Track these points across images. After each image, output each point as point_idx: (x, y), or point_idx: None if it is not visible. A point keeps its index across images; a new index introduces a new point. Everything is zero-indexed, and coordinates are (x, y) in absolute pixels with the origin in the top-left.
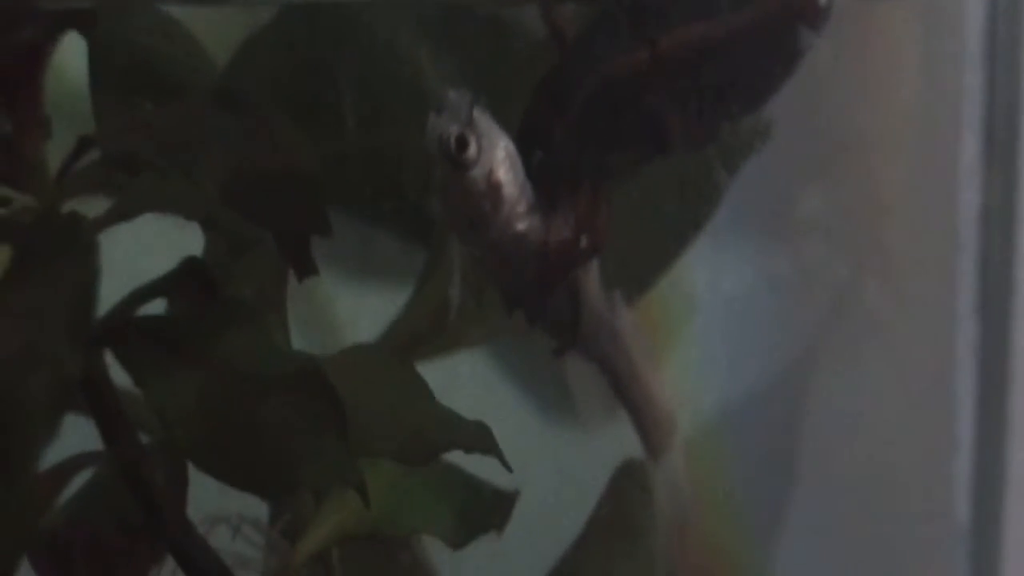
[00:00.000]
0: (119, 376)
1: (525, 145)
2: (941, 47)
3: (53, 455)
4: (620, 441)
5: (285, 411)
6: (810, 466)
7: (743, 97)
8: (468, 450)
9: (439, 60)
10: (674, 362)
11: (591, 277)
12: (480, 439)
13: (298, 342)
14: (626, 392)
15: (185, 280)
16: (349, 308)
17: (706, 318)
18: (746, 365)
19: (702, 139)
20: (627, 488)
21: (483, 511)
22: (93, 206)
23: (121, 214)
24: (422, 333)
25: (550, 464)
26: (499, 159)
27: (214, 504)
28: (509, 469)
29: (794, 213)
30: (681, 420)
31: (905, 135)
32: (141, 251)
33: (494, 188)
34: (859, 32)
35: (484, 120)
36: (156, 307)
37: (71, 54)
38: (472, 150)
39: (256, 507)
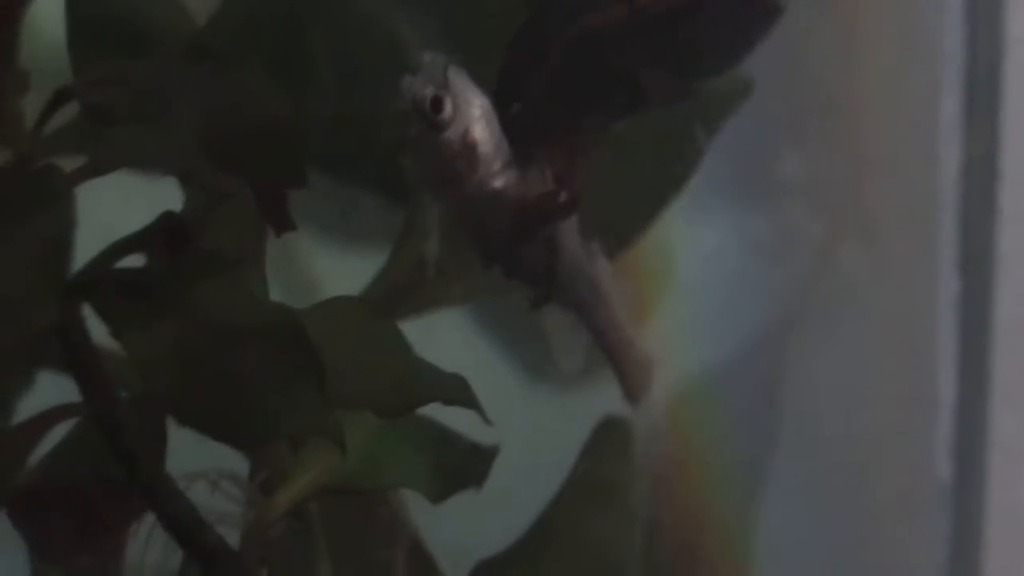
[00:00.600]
0: (99, 332)
1: (501, 99)
2: (920, 6)
3: (30, 409)
4: (600, 398)
5: (263, 362)
6: (792, 426)
7: (719, 54)
8: (446, 402)
9: (416, 17)
10: (654, 321)
11: (569, 228)
12: (458, 392)
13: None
14: (605, 338)
15: (163, 234)
16: (329, 268)
17: (686, 278)
18: (726, 325)
19: (677, 95)
20: (606, 444)
21: (462, 466)
22: (72, 162)
23: (97, 168)
24: (400, 291)
25: (529, 421)
26: (474, 118)
27: (193, 460)
28: (488, 422)
29: (774, 173)
30: (662, 378)
31: (885, 95)
32: (120, 205)
33: (469, 147)
34: None
35: (459, 80)
36: (135, 261)
37: (48, 8)
38: (447, 111)
39: (236, 463)
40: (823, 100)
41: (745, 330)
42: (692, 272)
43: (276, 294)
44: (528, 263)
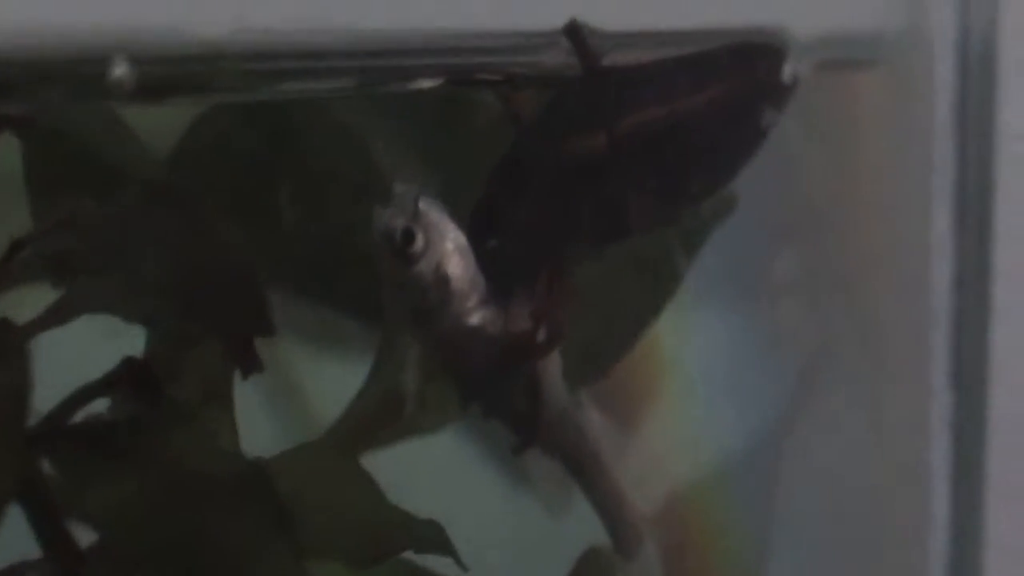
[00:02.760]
0: None
1: (479, 231)
2: (911, 116)
3: None
4: (585, 526)
5: (231, 515)
6: (786, 532)
7: (705, 178)
8: (420, 550)
9: (393, 145)
10: (647, 427)
11: (552, 369)
12: (433, 539)
13: (265, 413)
14: (593, 491)
15: (127, 380)
16: (309, 373)
17: (679, 383)
18: (722, 428)
19: (663, 221)
20: None
21: None
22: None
23: (56, 318)
24: (375, 422)
25: (510, 548)
26: (448, 251)
27: None
28: (464, 568)
29: (764, 277)
30: (656, 486)
31: (875, 204)
32: (85, 345)
33: (442, 282)
34: (826, 101)
35: (432, 212)
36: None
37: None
38: (418, 244)
39: None
40: (813, 207)
41: (741, 432)
42: (685, 376)
43: (254, 402)
44: (510, 404)
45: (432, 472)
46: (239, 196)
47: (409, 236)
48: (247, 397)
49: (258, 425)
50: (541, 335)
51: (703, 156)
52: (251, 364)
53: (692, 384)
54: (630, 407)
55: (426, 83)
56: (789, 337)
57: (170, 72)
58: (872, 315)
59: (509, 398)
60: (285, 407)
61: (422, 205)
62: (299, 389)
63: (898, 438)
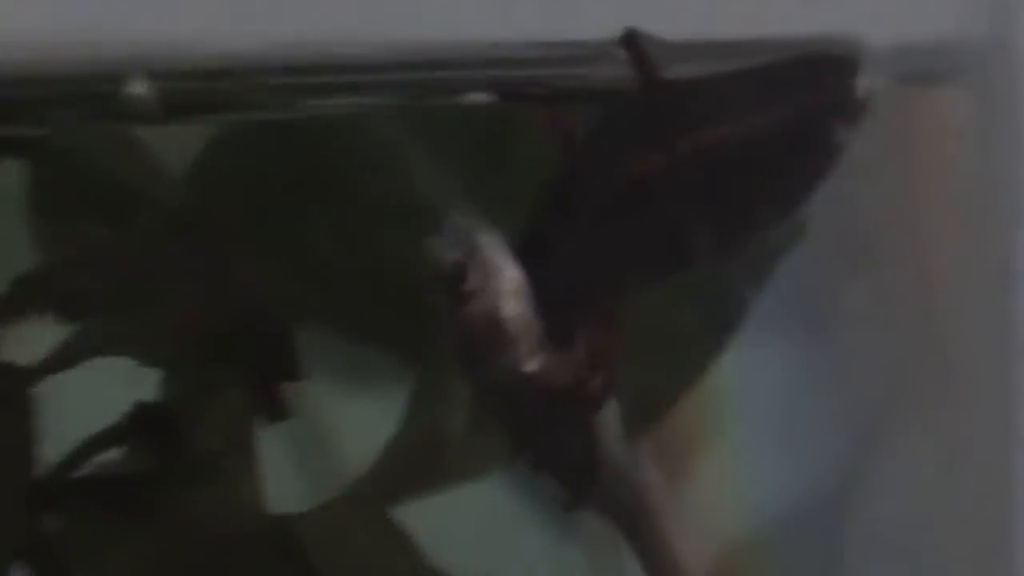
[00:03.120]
0: None
1: (527, 263)
2: (994, 132)
3: None
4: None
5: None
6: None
7: (773, 203)
8: None
9: (435, 167)
10: (712, 467)
11: (611, 421)
12: None
13: (292, 464)
14: (647, 555)
15: (140, 428)
16: (342, 420)
17: (734, 429)
18: (781, 479)
19: (728, 252)
20: None
21: None
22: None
23: (63, 360)
24: (413, 470)
25: None
26: (504, 291)
27: None
28: None
29: (831, 310)
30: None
31: (954, 228)
32: (96, 390)
33: (497, 325)
34: (902, 117)
35: (489, 246)
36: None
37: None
38: (472, 281)
39: None
40: (888, 232)
41: (807, 476)
42: (752, 412)
43: (280, 451)
44: (562, 457)
45: (473, 527)
46: (265, 224)
47: (461, 272)
48: (272, 446)
49: (284, 477)
50: (594, 384)
51: (770, 179)
52: (278, 410)
53: (748, 431)
54: (680, 457)
55: (473, 97)
56: (858, 376)
57: (193, 88)
58: (951, 348)
59: (563, 450)
60: (314, 456)
61: (478, 237)
62: (329, 435)
63: (980, 483)
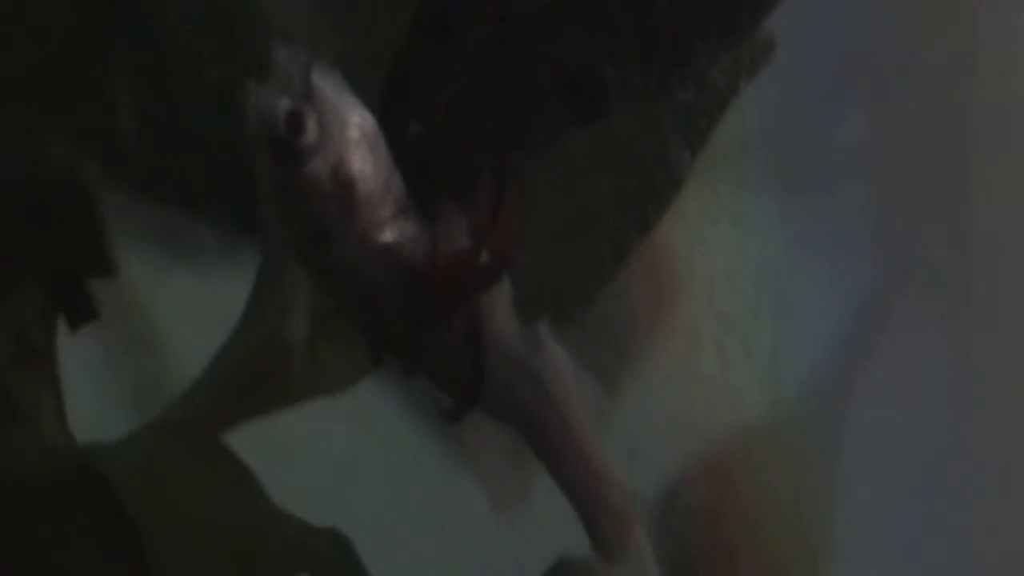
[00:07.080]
0: None
1: (392, 115)
2: None
3: None
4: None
5: (57, 530)
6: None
7: (710, 34)
8: (317, 572)
9: None
10: (669, 367)
11: (500, 304)
12: (334, 556)
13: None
14: (561, 466)
15: None
16: (155, 288)
17: (710, 307)
18: (778, 359)
19: (650, 96)
20: None
21: None
22: None
23: None
24: (250, 383)
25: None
26: (352, 142)
27: None
28: None
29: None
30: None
31: None
32: None
33: (345, 185)
34: None
35: (329, 87)
36: None
37: None
38: (311, 133)
39: None
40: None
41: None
42: (735, 290)
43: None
44: (439, 357)
45: (334, 459)
46: (57, 81)
47: (297, 122)
48: (76, 357)
49: (88, 396)
50: (484, 258)
51: (704, 7)
52: (82, 311)
53: (731, 308)
54: (633, 343)
55: None
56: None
57: None
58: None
59: (439, 347)
60: (126, 369)
61: (316, 78)
62: (145, 340)
63: None
